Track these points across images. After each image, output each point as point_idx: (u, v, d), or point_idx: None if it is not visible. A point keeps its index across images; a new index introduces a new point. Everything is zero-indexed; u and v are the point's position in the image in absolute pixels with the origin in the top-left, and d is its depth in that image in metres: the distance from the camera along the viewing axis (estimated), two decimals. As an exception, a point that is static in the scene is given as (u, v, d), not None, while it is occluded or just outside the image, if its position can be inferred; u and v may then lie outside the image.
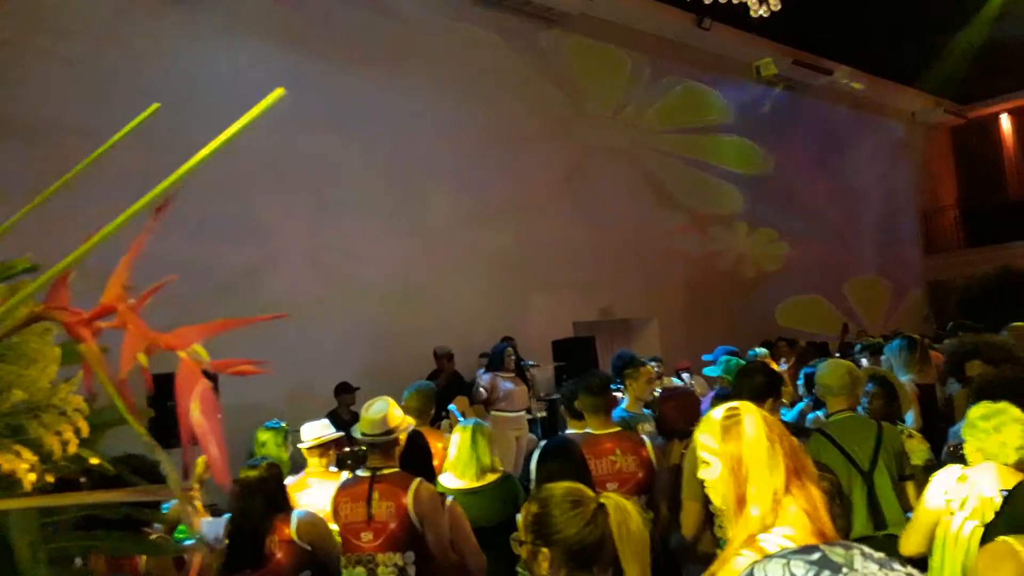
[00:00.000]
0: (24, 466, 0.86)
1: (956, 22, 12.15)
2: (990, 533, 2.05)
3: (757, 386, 3.16)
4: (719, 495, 1.71)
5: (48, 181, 0.90)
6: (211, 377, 0.83)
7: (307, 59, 8.03)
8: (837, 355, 8.52)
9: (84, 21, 6.72)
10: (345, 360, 7.42)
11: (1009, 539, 1.28)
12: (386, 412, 2.93)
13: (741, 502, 1.63)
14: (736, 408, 1.75)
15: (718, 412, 1.77)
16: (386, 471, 2.91)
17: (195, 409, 0.80)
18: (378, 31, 8.74)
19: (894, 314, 14.85)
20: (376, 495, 2.81)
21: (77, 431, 0.93)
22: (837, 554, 0.68)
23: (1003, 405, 2.56)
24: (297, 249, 7.70)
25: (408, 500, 2.81)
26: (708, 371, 5.58)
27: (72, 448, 0.92)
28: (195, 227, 6.39)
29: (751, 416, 1.70)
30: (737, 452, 1.66)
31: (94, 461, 1.32)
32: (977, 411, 2.58)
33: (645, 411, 4.35)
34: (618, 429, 3.54)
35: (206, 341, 0.85)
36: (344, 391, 6.93)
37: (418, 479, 2.89)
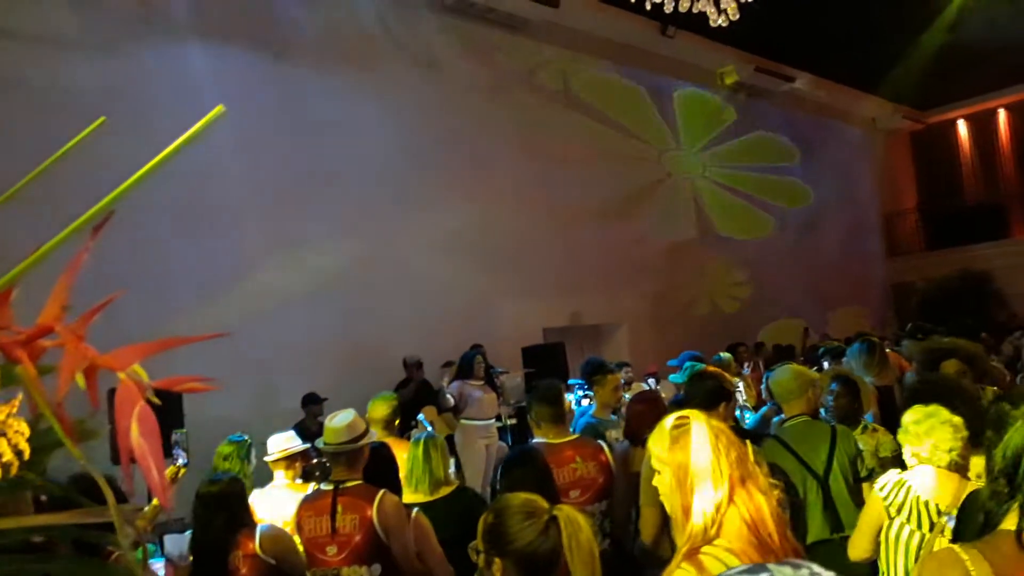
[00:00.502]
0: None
1: (913, 29, 12.41)
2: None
3: (708, 391, 3.19)
4: (667, 503, 1.74)
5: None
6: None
7: (265, 63, 7.98)
8: (802, 359, 8.66)
9: (35, 24, 6.59)
10: (313, 370, 7.34)
11: (955, 547, 1.31)
12: (350, 422, 2.91)
13: (686, 511, 1.66)
14: (685, 417, 1.77)
15: (668, 421, 1.80)
16: (350, 483, 2.88)
17: (134, 430, 0.79)
18: (338, 36, 8.71)
19: (859, 317, 15.08)
20: (340, 508, 2.78)
21: (19, 453, 0.91)
22: (784, 573, 0.69)
23: (933, 408, 2.60)
24: (261, 258, 7.61)
25: (373, 512, 2.78)
26: (673, 377, 5.63)
27: (13, 471, 0.90)
28: (148, 239, 6.30)
29: (699, 425, 1.72)
30: (683, 461, 1.68)
31: (38, 483, 1.30)
32: (909, 416, 2.63)
33: (612, 417, 4.35)
34: (576, 437, 3.54)
35: (174, 353, 0.84)
36: (311, 402, 6.86)
37: (382, 491, 2.86)
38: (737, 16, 4.09)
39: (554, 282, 10.11)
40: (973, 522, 2.01)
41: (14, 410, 0.93)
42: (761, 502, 1.66)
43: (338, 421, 2.92)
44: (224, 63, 7.70)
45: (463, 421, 6.58)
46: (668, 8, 4.36)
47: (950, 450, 2.50)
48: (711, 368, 4.00)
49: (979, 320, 8.92)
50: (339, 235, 8.21)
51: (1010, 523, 1.30)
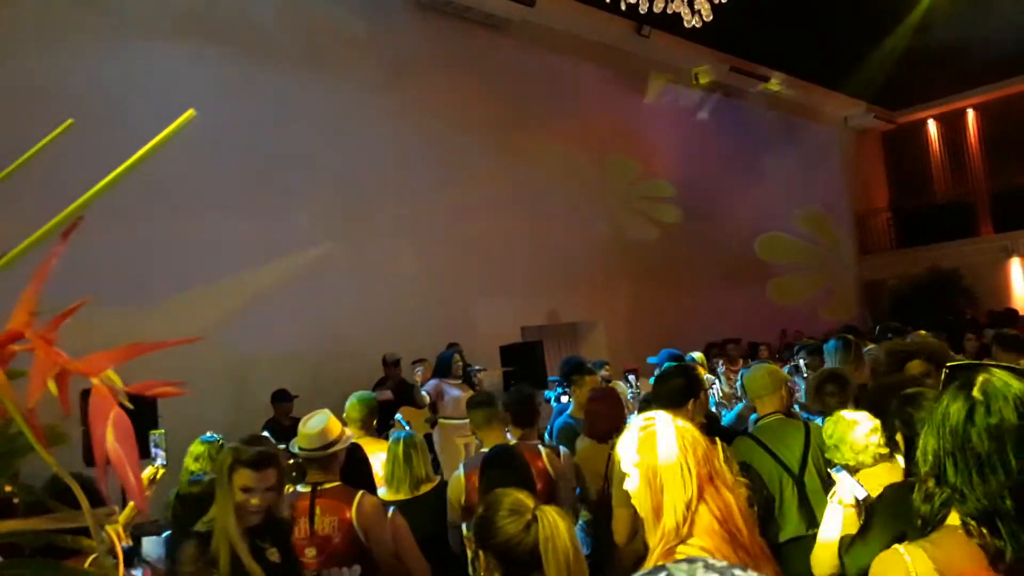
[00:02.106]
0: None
1: (884, 30, 12.59)
2: (859, 541, 2.12)
3: (675, 390, 3.19)
4: (638, 504, 1.76)
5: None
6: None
7: (231, 54, 7.91)
8: (777, 356, 8.75)
9: (4, 21, 6.48)
10: (289, 368, 7.30)
11: (898, 546, 1.33)
12: (324, 426, 2.89)
13: (657, 512, 1.69)
14: (651, 418, 1.80)
15: (636, 423, 1.83)
16: (328, 485, 2.86)
17: (109, 435, 0.79)
18: (314, 32, 8.65)
19: (832, 313, 15.26)
20: (318, 510, 2.76)
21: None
22: (681, 570, 0.72)
23: (836, 416, 2.69)
24: (238, 255, 7.54)
25: (352, 514, 2.77)
26: (655, 379, 5.65)
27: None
28: (127, 235, 6.23)
29: (665, 426, 1.75)
30: (651, 462, 1.72)
31: (9, 489, 1.29)
32: (824, 431, 2.70)
33: None
34: (514, 443, 3.50)
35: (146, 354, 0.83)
36: (282, 399, 6.82)
37: (361, 491, 2.85)
38: (711, 17, 4.13)
39: (532, 280, 10.13)
40: (885, 515, 2.05)
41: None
42: (729, 499, 1.69)
43: (312, 426, 2.89)
44: (200, 61, 7.63)
45: (441, 420, 6.58)
46: (643, 8, 4.39)
47: (866, 448, 2.55)
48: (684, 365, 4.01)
49: (947, 316, 9.08)
50: (316, 233, 8.17)
51: (954, 519, 1.33)
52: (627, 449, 1.77)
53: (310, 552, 2.71)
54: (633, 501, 1.76)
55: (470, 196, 9.72)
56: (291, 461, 3.48)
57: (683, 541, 1.61)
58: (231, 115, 7.59)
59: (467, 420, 6.77)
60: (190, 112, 0.93)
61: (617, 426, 3.38)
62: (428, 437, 6.23)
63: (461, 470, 3.41)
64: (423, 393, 6.64)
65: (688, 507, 1.63)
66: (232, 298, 7.27)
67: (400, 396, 7.24)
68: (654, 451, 1.70)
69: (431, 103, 9.52)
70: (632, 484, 1.75)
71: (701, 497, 1.65)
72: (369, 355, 7.76)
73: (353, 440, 3.17)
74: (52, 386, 0.81)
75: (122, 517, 2.90)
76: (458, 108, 9.82)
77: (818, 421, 3.95)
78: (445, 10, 9.72)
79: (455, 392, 6.61)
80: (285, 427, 6.19)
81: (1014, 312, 11.84)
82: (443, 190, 9.43)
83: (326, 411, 3.01)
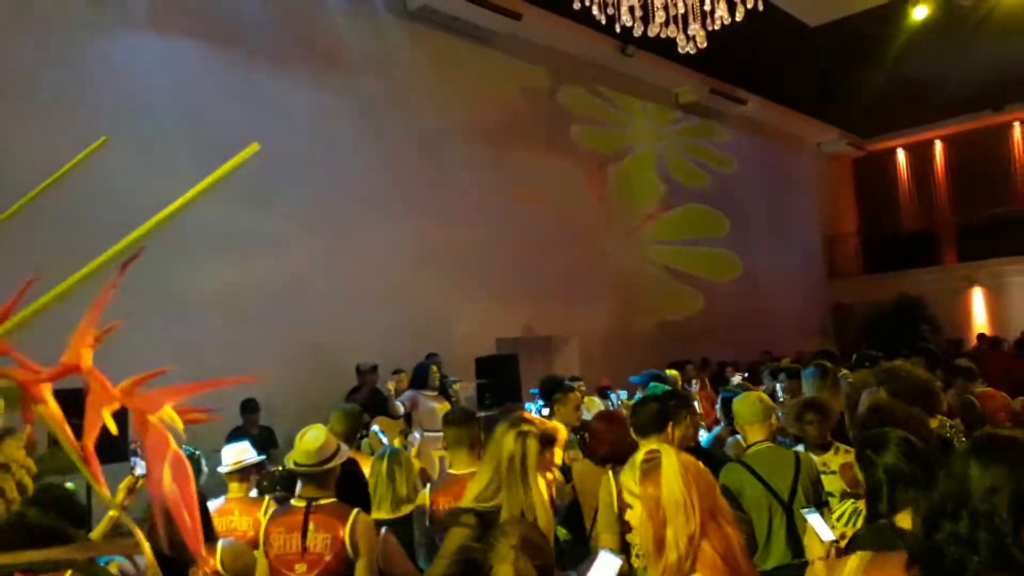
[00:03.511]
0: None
1: (859, 62, 12.89)
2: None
3: (652, 415, 3.19)
4: (640, 536, 1.77)
5: None
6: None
7: (218, 57, 7.84)
8: (746, 374, 8.85)
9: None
10: (264, 375, 7.18)
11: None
12: (321, 442, 2.83)
13: (660, 545, 1.69)
14: (656, 452, 1.81)
15: (639, 455, 1.84)
16: (323, 501, 2.82)
17: (166, 476, 0.78)
18: (303, 36, 8.61)
19: (801, 334, 15.51)
20: (312, 526, 2.72)
21: (22, 488, 0.90)
22: None
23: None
24: (215, 257, 7.43)
25: (345, 533, 2.73)
26: (634, 403, 5.67)
27: (16, 506, 0.88)
28: (108, 239, 6.09)
29: (669, 460, 1.76)
30: (655, 496, 1.72)
31: (35, 518, 1.26)
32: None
33: (572, 436, 4.35)
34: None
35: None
36: (250, 409, 6.74)
37: (356, 510, 2.81)
38: (705, 44, 4.19)
39: (508, 292, 10.13)
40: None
41: (21, 444, 0.91)
42: (730, 534, 1.71)
43: (309, 440, 2.84)
44: (184, 59, 7.55)
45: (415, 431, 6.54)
46: (637, 32, 4.44)
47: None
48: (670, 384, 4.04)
49: (915, 343, 9.29)
50: (293, 238, 8.08)
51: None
52: (631, 481, 1.78)
53: (300, 568, 2.67)
54: (635, 531, 1.77)
55: (449, 205, 9.71)
56: (276, 470, 3.43)
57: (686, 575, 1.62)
58: (212, 114, 7.51)
59: (441, 432, 6.81)
60: (254, 146, 0.92)
61: (615, 450, 3.38)
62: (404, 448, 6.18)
63: (428, 490, 3.34)
64: (398, 404, 6.60)
65: (691, 542, 1.64)
66: (206, 305, 7.15)
67: (373, 405, 7.19)
68: (658, 484, 1.72)
69: (413, 112, 9.51)
70: (634, 515, 1.76)
71: (704, 532, 1.66)
72: (344, 363, 7.69)
73: (338, 454, 3.13)
74: (109, 421, 0.80)
75: (96, 531, 2.84)
76: (440, 118, 9.81)
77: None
78: (432, 19, 9.72)
79: (431, 404, 6.58)
80: (252, 436, 6.11)
81: (959, 341, 12.30)
82: (422, 199, 9.41)
83: (321, 426, 2.96)
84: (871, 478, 2.37)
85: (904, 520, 2.25)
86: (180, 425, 0.84)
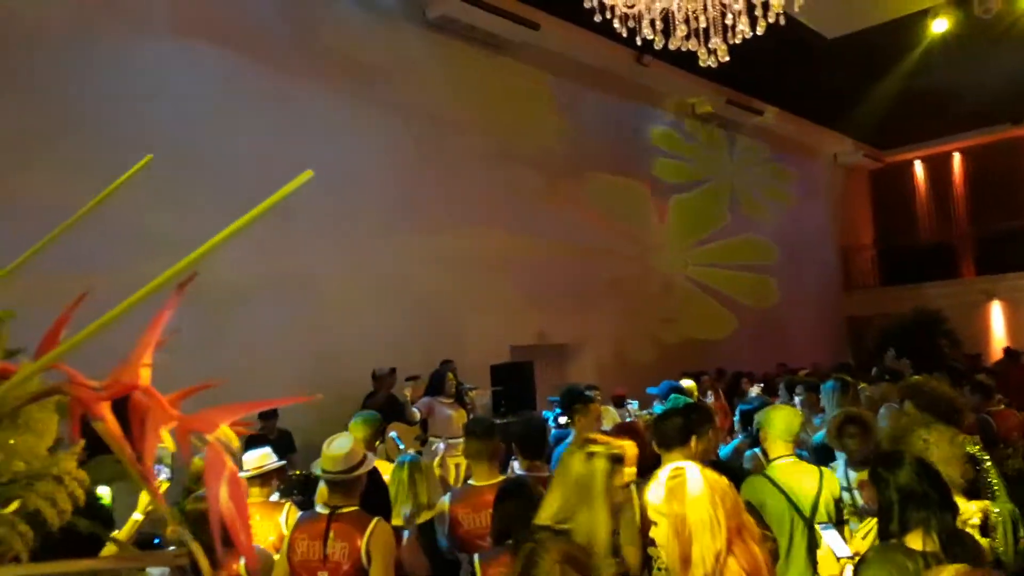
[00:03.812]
0: (17, 539, 0.85)
1: (877, 73, 12.86)
2: None
3: (676, 429, 3.18)
4: (665, 553, 1.77)
5: None
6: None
7: (238, 65, 7.90)
8: (761, 385, 8.80)
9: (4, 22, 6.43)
10: (280, 380, 7.24)
11: None
12: (348, 449, 2.86)
13: (686, 562, 1.69)
14: (681, 468, 1.82)
15: (664, 472, 1.84)
16: (345, 510, 2.84)
17: (224, 494, 0.81)
18: (321, 44, 8.67)
19: (816, 346, 15.43)
20: (332, 534, 2.74)
21: (73, 498, 0.92)
22: None
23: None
24: (232, 261, 7.48)
25: (363, 543, 2.75)
26: (658, 407, 5.66)
27: (67, 516, 0.90)
28: (128, 238, 6.17)
29: (695, 477, 1.76)
30: (680, 512, 1.73)
31: (83, 524, 1.29)
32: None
33: None
34: (502, 479, 3.39)
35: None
36: (268, 415, 6.76)
37: (376, 519, 2.83)
38: (727, 58, 4.20)
39: (522, 300, 10.15)
40: None
41: (75, 457, 0.93)
42: (756, 551, 1.71)
43: (336, 448, 2.87)
44: (202, 63, 7.62)
45: (432, 438, 6.56)
46: (658, 45, 4.46)
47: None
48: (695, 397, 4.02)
49: (933, 358, 9.23)
50: (307, 246, 8.12)
51: None
52: (655, 497, 1.79)
53: (322, 575, 2.69)
54: (660, 548, 1.78)
55: (465, 213, 9.74)
56: (294, 474, 3.45)
57: (714, 594, 1.63)
58: (231, 124, 7.59)
59: (459, 439, 6.82)
60: (308, 173, 0.95)
61: (637, 464, 3.38)
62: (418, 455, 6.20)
63: (447, 499, 3.37)
64: (414, 410, 6.62)
65: (717, 559, 1.65)
66: (223, 311, 7.20)
67: (389, 411, 7.21)
68: (683, 501, 1.72)
69: (430, 120, 9.55)
70: (659, 532, 1.77)
71: (730, 550, 1.67)
72: (360, 370, 7.71)
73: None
74: (168, 440, 0.83)
75: (121, 535, 2.87)
76: (456, 125, 9.86)
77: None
78: (451, 28, 9.78)
79: (447, 411, 6.60)
80: (271, 442, 6.15)
81: (978, 356, 12.20)
82: (439, 206, 9.45)
83: (348, 434, 2.99)
84: (883, 497, 2.37)
85: (914, 540, 2.25)
86: (236, 443, 0.86)
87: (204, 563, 0.79)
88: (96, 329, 0.82)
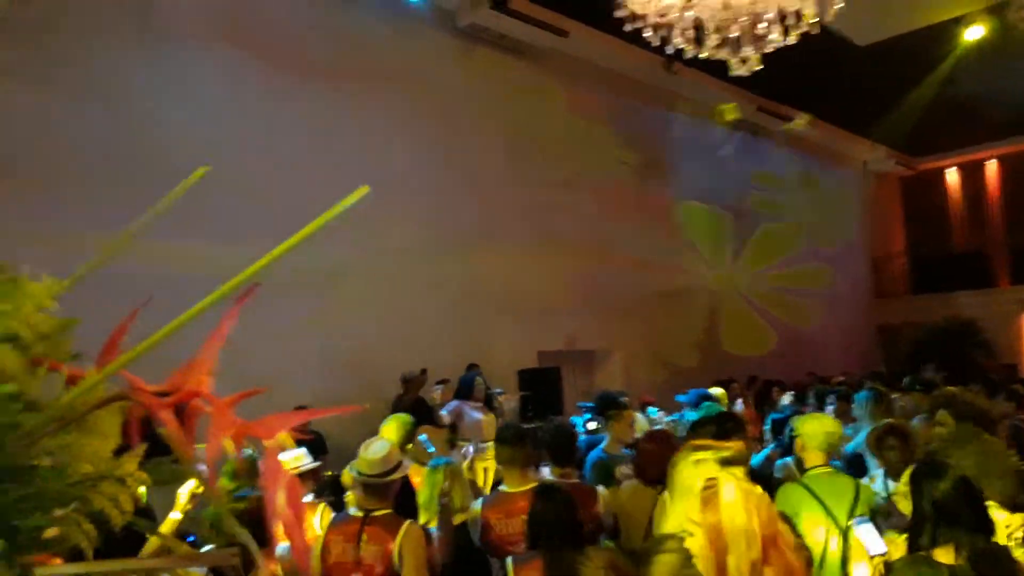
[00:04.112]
0: (82, 536, 0.88)
1: (909, 80, 12.70)
2: None
3: (710, 437, 3.18)
4: (700, 563, 1.77)
5: None
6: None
7: (273, 73, 8.00)
8: (792, 394, 8.71)
9: (32, 26, 6.56)
10: (306, 386, 7.30)
11: None
12: (386, 453, 2.89)
13: (722, 571, 1.70)
14: (714, 479, 1.82)
15: (698, 483, 1.85)
16: (378, 513, 2.87)
17: (281, 498, 0.84)
18: (347, 51, 8.74)
19: (847, 354, 15.25)
20: (365, 537, 2.78)
21: (135, 499, 0.95)
22: None
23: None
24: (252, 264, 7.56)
25: (395, 546, 2.78)
26: (688, 415, 5.64)
27: (129, 517, 0.94)
28: (155, 241, 6.27)
29: (729, 487, 1.77)
30: (715, 522, 1.74)
31: (142, 524, 1.33)
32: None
33: (624, 451, 4.34)
34: (534, 485, 3.35)
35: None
36: None
37: (408, 522, 2.86)
38: (759, 67, 4.20)
39: (551, 305, 10.15)
40: None
41: (138, 459, 0.97)
42: (792, 560, 1.71)
43: (374, 451, 2.90)
44: (233, 70, 7.74)
45: (461, 442, 6.59)
46: (689, 54, 4.46)
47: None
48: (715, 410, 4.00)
49: (965, 368, 9.09)
50: (335, 250, 8.18)
51: None
52: (690, 508, 1.80)
53: (355, 577, 2.73)
54: (695, 559, 1.79)
55: (492, 217, 9.78)
56: (327, 475, 3.49)
57: (751, 603, 1.64)
58: (257, 126, 7.71)
59: (488, 443, 6.85)
60: (364, 188, 0.97)
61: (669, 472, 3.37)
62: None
63: (479, 504, 3.40)
64: (443, 413, 6.66)
65: (753, 568, 1.66)
66: (250, 314, 7.27)
67: (417, 414, 7.23)
68: (718, 511, 1.73)
69: (457, 125, 9.61)
70: (694, 543, 1.78)
71: (765, 559, 1.67)
72: (389, 374, 7.76)
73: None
74: (229, 445, 0.86)
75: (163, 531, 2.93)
76: (484, 131, 9.91)
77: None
78: (481, 36, 9.84)
79: (476, 415, 6.63)
80: (304, 443, 6.22)
81: (1014, 367, 11.95)
82: (466, 211, 9.50)
83: (384, 437, 3.02)
84: (918, 507, 2.34)
85: (944, 555, 2.21)
86: (293, 445, 0.89)
87: (261, 560, 0.83)
88: (160, 338, 0.86)
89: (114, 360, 0.87)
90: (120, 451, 0.91)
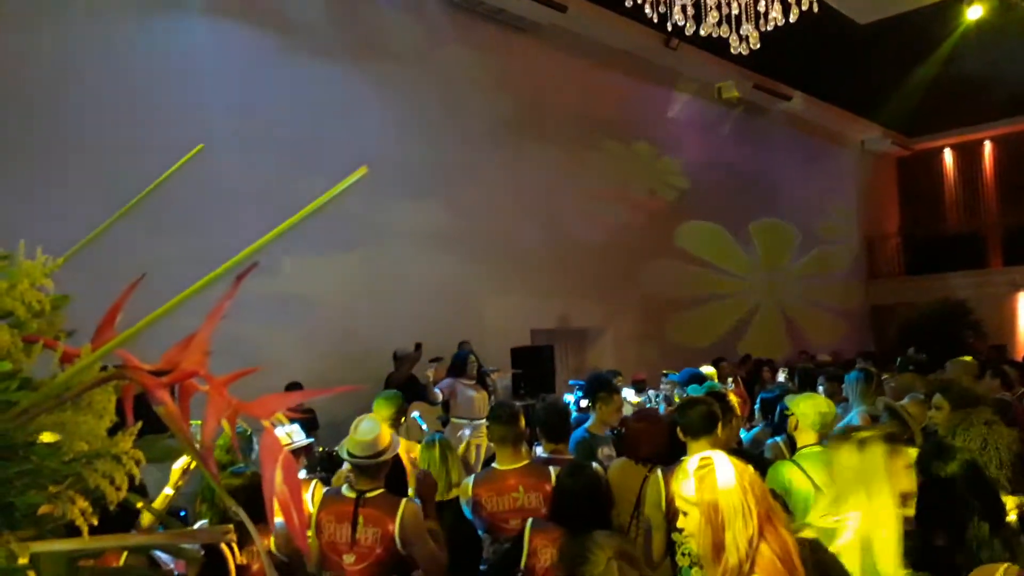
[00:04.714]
0: (78, 512, 0.88)
1: (908, 60, 12.64)
2: None
3: (702, 416, 3.18)
4: (696, 542, 1.80)
5: None
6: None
7: (272, 45, 7.94)
8: (785, 371, 8.75)
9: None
10: (299, 361, 7.30)
11: None
12: (377, 433, 2.88)
13: (718, 549, 1.72)
14: (709, 458, 1.84)
15: (692, 462, 1.87)
16: (372, 494, 2.88)
17: (278, 477, 0.84)
18: (346, 24, 8.66)
19: (839, 334, 15.33)
20: (361, 519, 2.79)
21: (131, 478, 0.95)
22: None
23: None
24: (246, 241, 7.51)
25: (395, 527, 2.79)
26: (678, 406, 5.66)
27: (123, 493, 0.94)
28: (151, 221, 6.24)
29: (724, 465, 1.79)
30: (712, 500, 1.75)
31: (139, 504, 1.34)
32: None
33: (608, 432, 4.40)
34: (525, 463, 3.42)
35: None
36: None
37: (404, 501, 2.87)
38: (758, 46, 4.17)
39: (544, 283, 10.16)
40: None
41: (132, 437, 0.97)
42: (786, 536, 1.74)
43: (363, 432, 2.89)
44: (228, 42, 7.66)
45: (454, 420, 6.62)
46: (689, 31, 4.42)
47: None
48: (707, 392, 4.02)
49: (957, 350, 9.14)
50: (328, 227, 8.14)
51: None
52: (685, 488, 1.82)
53: (349, 558, 2.75)
54: (690, 537, 1.81)
55: (487, 195, 9.74)
56: (319, 451, 3.51)
57: (747, 577, 1.66)
58: (257, 104, 7.65)
59: (481, 420, 6.89)
60: (363, 169, 0.97)
61: (657, 450, 3.40)
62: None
63: (471, 481, 3.42)
64: (436, 391, 6.68)
65: (750, 544, 1.68)
66: (243, 289, 7.25)
67: (410, 391, 7.27)
68: (714, 489, 1.75)
69: (456, 102, 9.54)
70: (689, 522, 1.80)
71: (761, 535, 1.70)
72: (382, 351, 7.78)
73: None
74: (227, 427, 0.86)
75: (156, 506, 2.95)
76: (482, 109, 9.84)
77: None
78: (477, 10, 9.73)
79: (469, 392, 6.65)
80: (297, 419, 6.24)
81: (1003, 347, 12.05)
82: (461, 189, 9.46)
83: (374, 417, 3.02)
84: (924, 489, 2.34)
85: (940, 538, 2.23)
86: (288, 424, 0.89)
87: (257, 536, 0.83)
88: (157, 317, 0.85)
89: (110, 339, 0.87)
90: (115, 429, 0.91)
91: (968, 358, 5.81)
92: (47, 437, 0.89)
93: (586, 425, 4.37)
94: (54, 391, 0.87)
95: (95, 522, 0.89)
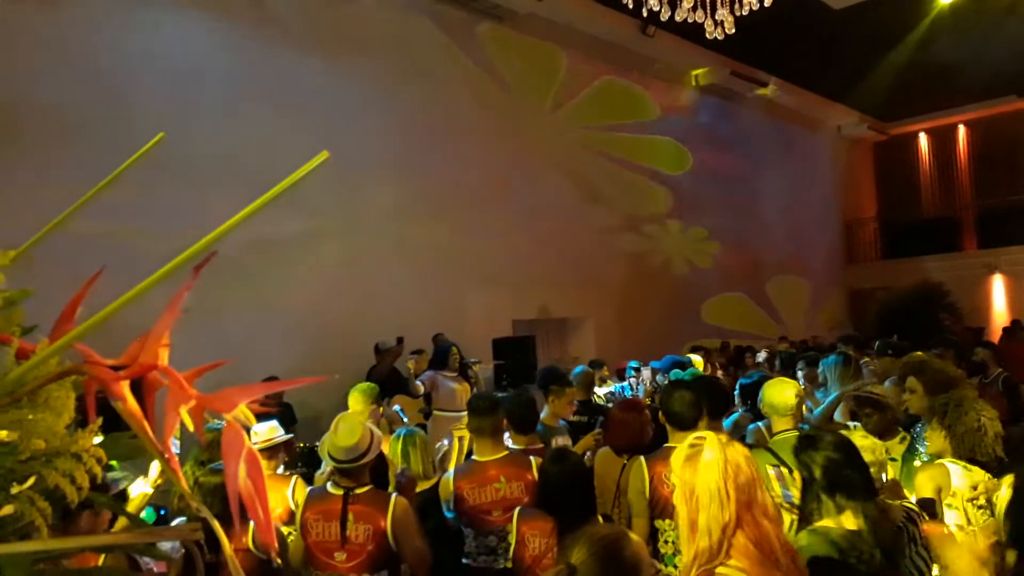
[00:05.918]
0: (37, 515, 0.86)
1: (883, 45, 12.71)
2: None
3: (687, 404, 3.16)
4: (677, 514, 1.82)
5: None
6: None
7: (243, 35, 7.84)
8: (765, 352, 8.81)
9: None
10: (279, 353, 7.24)
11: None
12: (357, 438, 2.82)
13: (692, 527, 1.75)
14: (701, 439, 1.84)
15: (689, 439, 1.87)
16: (360, 491, 2.85)
17: (242, 472, 0.82)
18: (319, 13, 8.56)
19: (815, 318, 15.47)
20: (351, 516, 2.76)
21: (92, 477, 0.93)
22: None
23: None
24: (235, 235, 7.44)
25: (387, 524, 2.78)
26: (663, 392, 5.67)
27: (85, 493, 0.92)
28: (118, 209, 6.15)
29: (711, 450, 1.79)
30: (691, 481, 1.77)
31: (101, 500, 1.30)
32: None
33: (561, 423, 4.48)
34: (504, 454, 3.41)
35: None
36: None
37: (393, 496, 2.85)
38: (733, 31, 4.17)
39: (524, 274, 10.14)
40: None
41: (93, 436, 0.95)
42: (767, 527, 1.72)
43: (343, 437, 2.83)
44: (211, 33, 7.56)
45: (436, 412, 6.60)
46: (664, 17, 4.41)
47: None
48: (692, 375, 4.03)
49: (934, 332, 9.26)
50: (309, 219, 8.09)
51: None
52: (676, 462, 1.83)
53: (339, 556, 2.72)
54: (675, 506, 1.83)
55: (464, 186, 9.70)
56: (299, 447, 3.47)
57: (722, 563, 1.66)
58: (230, 94, 7.55)
59: (462, 412, 6.86)
60: (324, 154, 0.95)
61: (639, 440, 3.41)
62: (422, 428, 6.25)
63: (451, 475, 3.40)
64: (417, 383, 6.66)
65: (724, 531, 1.68)
66: (224, 283, 7.19)
67: (391, 384, 7.24)
68: (695, 472, 1.76)
69: (432, 91, 9.47)
70: (675, 495, 1.82)
71: (739, 523, 1.69)
72: (363, 343, 7.73)
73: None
74: (187, 420, 0.84)
75: (130, 507, 2.91)
76: (457, 97, 9.78)
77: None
78: (456, -1, 9.66)
79: (451, 384, 6.63)
80: (273, 414, 6.19)
81: (980, 330, 12.20)
82: (438, 178, 9.40)
83: (351, 416, 2.97)
84: (807, 481, 2.28)
85: (848, 521, 2.14)
86: (253, 422, 0.87)
87: (223, 536, 0.81)
88: (115, 309, 0.83)
89: (67, 333, 0.84)
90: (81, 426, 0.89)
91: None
92: (2, 436, 0.86)
93: (540, 417, 4.39)
94: (8, 387, 0.85)
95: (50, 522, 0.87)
